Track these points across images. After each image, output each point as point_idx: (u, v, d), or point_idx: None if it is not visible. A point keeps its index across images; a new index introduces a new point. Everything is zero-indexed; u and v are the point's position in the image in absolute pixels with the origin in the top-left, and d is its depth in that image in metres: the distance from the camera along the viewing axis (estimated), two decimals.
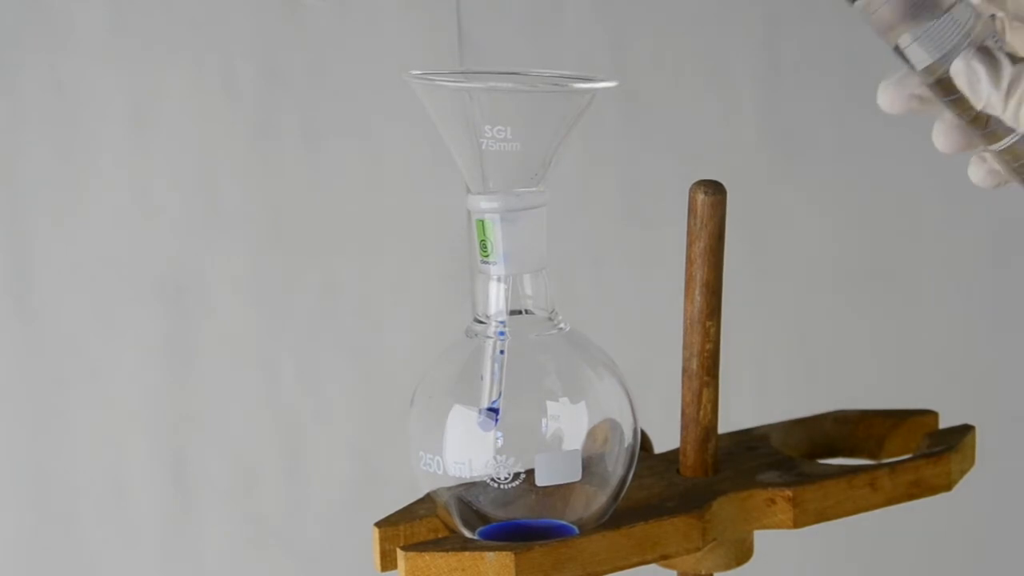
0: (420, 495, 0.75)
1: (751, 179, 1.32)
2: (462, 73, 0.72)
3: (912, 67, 0.68)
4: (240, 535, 1.28)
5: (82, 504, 1.25)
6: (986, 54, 0.66)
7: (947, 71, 0.67)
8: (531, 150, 0.70)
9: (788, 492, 0.77)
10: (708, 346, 0.78)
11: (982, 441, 0.85)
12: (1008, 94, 0.66)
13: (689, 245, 0.77)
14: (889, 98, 0.70)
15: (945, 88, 0.67)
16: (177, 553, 1.27)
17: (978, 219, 1.38)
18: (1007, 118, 0.66)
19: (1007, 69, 0.66)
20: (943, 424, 0.86)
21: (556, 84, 0.70)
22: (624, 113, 1.29)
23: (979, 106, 0.67)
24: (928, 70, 0.67)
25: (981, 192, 1.43)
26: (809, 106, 1.33)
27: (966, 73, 0.66)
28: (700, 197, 0.76)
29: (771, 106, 1.32)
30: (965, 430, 0.84)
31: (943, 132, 0.69)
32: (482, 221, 0.71)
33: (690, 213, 0.77)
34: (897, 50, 0.68)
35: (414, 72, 0.69)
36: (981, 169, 0.71)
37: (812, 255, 1.35)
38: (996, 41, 0.67)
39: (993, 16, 0.68)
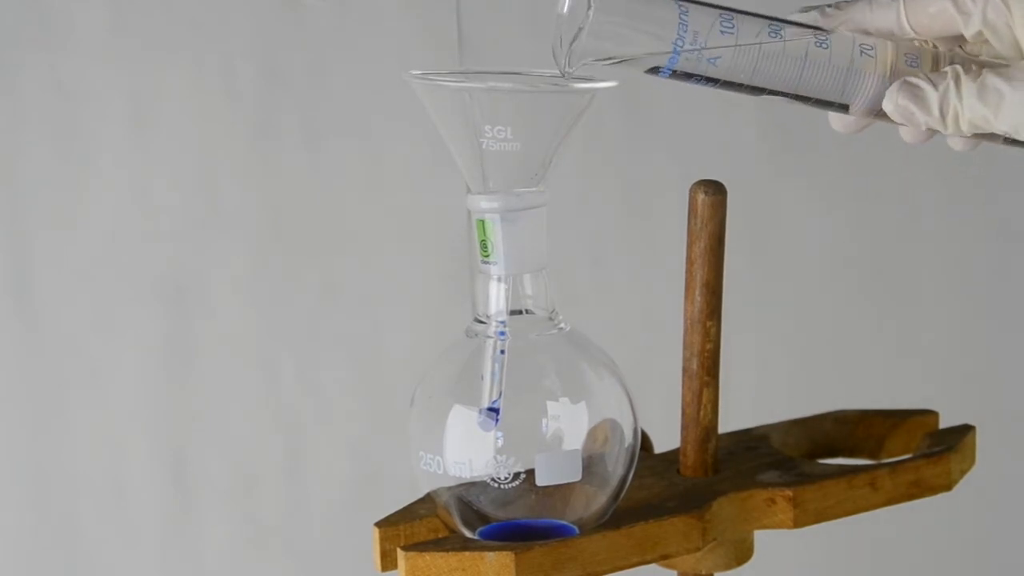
0: (420, 495, 0.75)
1: (751, 179, 1.32)
2: (462, 73, 0.72)
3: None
4: (240, 535, 1.28)
5: (82, 504, 1.25)
6: (909, 88, 0.68)
7: (882, 111, 0.69)
8: (531, 150, 0.70)
9: (788, 492, 0.77)
10: (708, 346, 0.78)
11: (982, 441, 0.85)
12: (943, 116, 0.68)
13: (689, 245, 0.77)
14: (842, 123, 0.72)
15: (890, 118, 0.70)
16: (177, 553, 1.27)
17: (978, 219, 1.38)
18: (950, 133, 0.68)
19: (932, 96, 0.68)
20: (943, 424, 0.86)
21: (556, 84, 0.70)
22: (624, 113, 1.29)
23: (923, 129, 0.69)
24: (866, 113, 0.69)
25: (981, 192, 1.43)
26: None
27: (899, 112, 0.69)
28: (700, 197, 0.76)
29: (771, 106, 1.32)
30: (965, 430, 0.84)
31: (907, 131, 0.72)
32: (482, 221, 0.71)
33: (690, 213, 0.77)
34: (832, 105, 0.70)
35: (414, 72, 0.69)
36: (958, 143, 0.73)
37: (812, 255, 1.35)
38: (912, 61, 0.69)
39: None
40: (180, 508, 1.27)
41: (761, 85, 0.70)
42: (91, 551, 1.26)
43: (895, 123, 0.71)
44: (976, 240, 1.38)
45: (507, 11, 1.26)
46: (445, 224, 1.24)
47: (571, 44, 0.68)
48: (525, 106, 0.70)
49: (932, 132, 0.71)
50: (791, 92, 0.71)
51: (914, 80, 0.68)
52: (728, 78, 0.69)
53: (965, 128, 0.68)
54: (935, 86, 0.68)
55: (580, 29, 0.67)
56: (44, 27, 1.18)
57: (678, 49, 0.68)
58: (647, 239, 1.31)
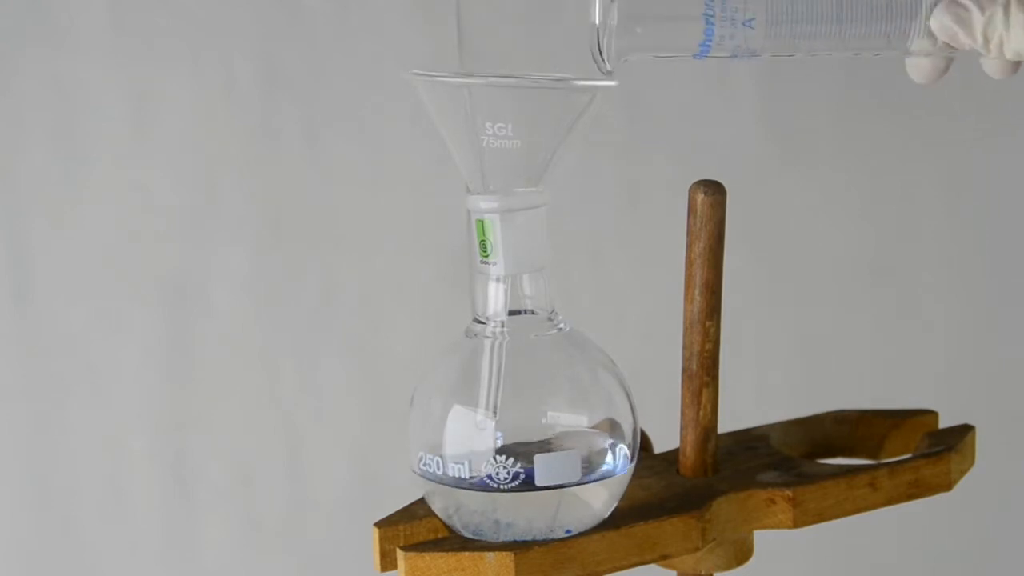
0: (420, 495, 0.75)
1: (751, 179, 1.32)
2: (462, 73, 0.72)
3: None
4: (240, 535, 1.28)
5: (82, 504, 1.25)
6: (954, 7, 0.69)
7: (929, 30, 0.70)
8: (531, 148, 0.70)
9: (788, 492, 0.77)
10: (708, 346, 0.78)
11: (982, 441, 0.85)
12: (987, 40, 0.69)
13: (689, 245, 0.77)
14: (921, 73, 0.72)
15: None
16: (177, 553, 1.27)
17: (978, 219, 1.38)
18: (994, 57, 0.69)
19: (977, 19, 0.69)
20: (943, 424, 0.86)
21: (556, 81, 0.70)
22: (624, 113, 1.29)
23: (966, 49, 0.70)
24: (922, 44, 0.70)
25: (981, 192, 1.43)
26: (809, 106, 1.33)
27: (943, 31, 0.69)
28: (700, 197, 0.76)
29: (771, 106, 1.32)
30: (965, 430, 0.84)
31: (916, 70, 0.72)
32: (482, 221, 0.71)
33: (690, 213, 0.77)
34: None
35: (414, 70, 0.69)
36: (996, 70, 0.73)
37: (812, 255, 1.35)
38: None
39: None
40: (180, 508, 1.27)
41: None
42: (91, 551, 1.26)
43: (947, 53, 0.71)
44: (976, 240, 1.38)
45: (507, 11, 1.26)
46: (445, 224, 1.24)
47: (606, 45, 0.69)
48: (526, 102, 0.70)
49: (946, 71, 0.71)
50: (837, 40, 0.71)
51: (961, 0, 0.69)
52: (769, 41, 0.70)
53: (1010, 55, 0.68)
54: (982, 10, 0.68)
55: (610, 34, 0.69)
56: (44, 26, 1.18)
57: (710, 35, 0.69)
58: (647, 239, 1.31)
